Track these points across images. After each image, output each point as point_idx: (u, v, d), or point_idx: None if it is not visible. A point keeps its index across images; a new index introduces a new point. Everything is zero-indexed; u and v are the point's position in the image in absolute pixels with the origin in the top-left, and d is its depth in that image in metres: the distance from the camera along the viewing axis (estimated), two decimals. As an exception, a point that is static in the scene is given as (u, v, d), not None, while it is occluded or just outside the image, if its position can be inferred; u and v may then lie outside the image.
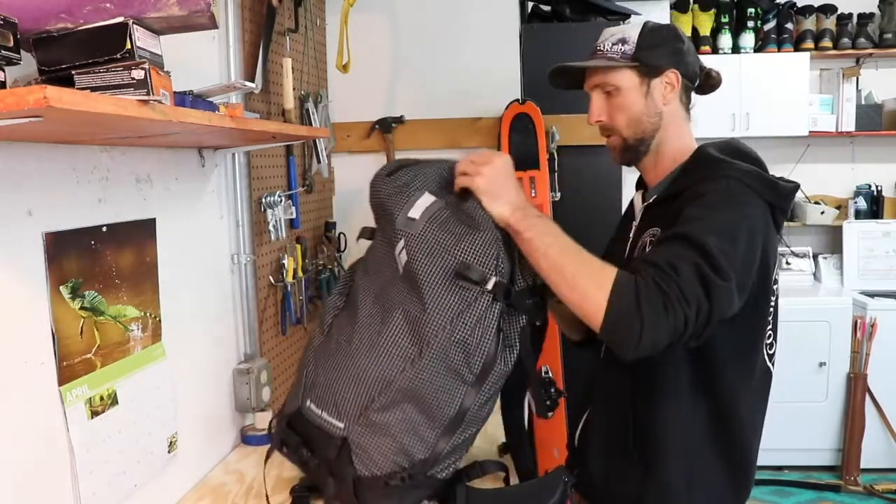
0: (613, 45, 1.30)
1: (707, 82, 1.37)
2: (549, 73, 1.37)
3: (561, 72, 1.37)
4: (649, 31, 1.30)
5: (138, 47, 0.94)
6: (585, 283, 1.09)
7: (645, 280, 1.06)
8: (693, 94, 1.37)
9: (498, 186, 1.20)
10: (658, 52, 1.29)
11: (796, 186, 1.25)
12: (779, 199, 1.20)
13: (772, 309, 1.27)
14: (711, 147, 1.28)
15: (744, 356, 1.25)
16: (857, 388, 3.34)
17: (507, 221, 1.18)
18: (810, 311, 3.42)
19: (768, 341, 1.29)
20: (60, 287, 1.09)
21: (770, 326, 1.29)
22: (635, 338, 1.04)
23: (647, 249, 1.23)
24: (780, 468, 3.49)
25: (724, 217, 1.14)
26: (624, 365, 1.18)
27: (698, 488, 1.26)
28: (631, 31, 1.30)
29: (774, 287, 1.26)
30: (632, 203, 1.43)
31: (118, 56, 0.93)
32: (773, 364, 1.32)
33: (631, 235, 1.35)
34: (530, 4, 2.89)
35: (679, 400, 1.24)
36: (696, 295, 1.05)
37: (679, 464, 1.25)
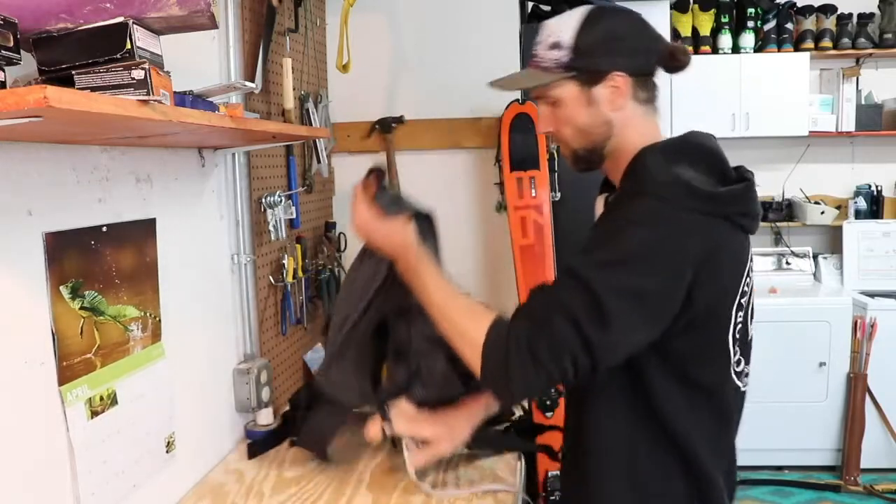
0: (548, 50, 1.15)
1: (672, 63, 1.17)
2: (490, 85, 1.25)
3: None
4: (585, 27, 1.13)
5: (138, 47, 0.94)
6: (458, 338, 1.12)
7: (516, 336, 1.03)
8: (660, 78, 1.20)
9: (374, 230, 1.26)
10: (597, 53, 1.13)
11: (746, 187, 1.10)
12: (727, 207, 1.07)
13: (739, 327, 1.12)
14: (656, 149, 1.13)
15: (692, 384, 1.12)
16: (857, 388, 3.34)
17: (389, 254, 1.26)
18: (810, 311, 3.42)
19: (735, 358, 1.14)
20: (60, 287, 1.09)
21: (738, 346, 1.14)
22: (507, 393, 1.06)
23: None
24: (780, 468, 3.49)
25: (627, 246, 1.03)
26: (576, 388, 1.21)
27: None
28: (565, 31, 1.14)
29: (738, 309, 1.11)
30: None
31: (118, 56, 0.93)
32: (743, 383, 1.19)
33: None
34: (530, 4, 2.89)
35: (618, 426, 1.15)
36: (570, 350, 1.01)
37: (623, 491, 1.16)
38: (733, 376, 1.15)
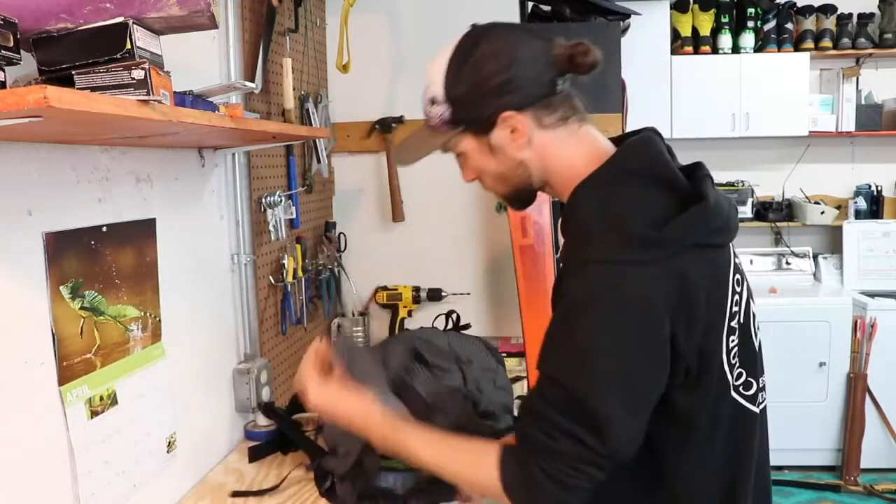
0: (430, 106, 1.05)
1: (575, 68, 1.00)
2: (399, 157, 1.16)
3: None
4: (451, 74, 1.01)
5: (138, 47, 0.94)
6: (472, 483, 1.06)
7: (531, 472, 0.95)
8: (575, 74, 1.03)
9: (335, 400, 1.16)
10: (475, 100, 1.00)
11: (703, 206, 0.94)
12: (687, 237, 0.93)
13: (735, 350, 1.01)
14: (587, 187, 0.99)
15: (690, 426, 1.00)
16: (857, 388, 3.34)
17: (359, 428, 1.14)
18: (810, 311, 3.42)
19: (737, 382, 1.02)
20: (60, 287, 1.09)
21: (740, 367, 1.02)
22: None
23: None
24: (780, 468, 3.49)
25: (588, 336, 0.92)
26: None
27: None
28: (436, 80, 1.02)
29: (729, 334, 0.99)
30: None
31: (118, 56, 0.93)
32: (758, 401, 1.06)
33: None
34: (530, 4, 2.89)
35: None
36: (586, 461, 0.93)
37: None
38: (740, 400, 1.02)
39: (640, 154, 1.01)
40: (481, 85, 0.99)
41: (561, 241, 1.07)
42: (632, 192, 0.96)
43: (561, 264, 1.03)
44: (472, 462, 1.03)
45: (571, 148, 1.04)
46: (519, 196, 1.11)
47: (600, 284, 0.92)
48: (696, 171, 1.02)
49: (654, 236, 0.92)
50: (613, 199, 0.96)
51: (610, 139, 1.08)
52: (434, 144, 1.07)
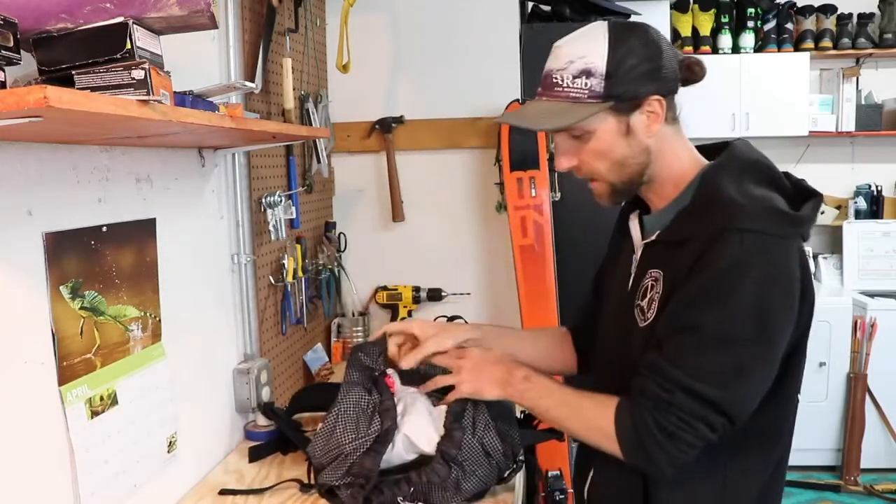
0: (575, 78, 1.06)
1: (690, 77, 1.14)
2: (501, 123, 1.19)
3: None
4: (615, 50, 1.05)
5: (138, 47, 0.94)
6: (591, 434, 1.13)
7: (643, 420, 1.05)
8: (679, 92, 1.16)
9: (481, 381, 1.26)
10: (633, 77, 1.06)
11: (817, 202, 1.08)
12: (806, 227, 1.06)
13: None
14: (721, 170, 1.09)
15: (777, 412, 1.13)
16: (857, 388, 3.34)
17: (503, 398, 1.26)
18: (810, 311, 3.42)
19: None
20: (60, 287, 1.09)
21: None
22: (658, 470, 1.07)
23: (647, 299, 1.12)
24: (780, 468, 3.49)
25: (740, 298, 1.00)
26: None
27: None
28: (593, 54, 1.05)
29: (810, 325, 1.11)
30: (624, 220, 1.27)
31: (118, 56, 0.93)
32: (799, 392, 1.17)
33: (633, 272, 1.19)
34: (530, 4, 2.89)
35: (692, 470, 1.09)
36: (699, 417, 1.02)
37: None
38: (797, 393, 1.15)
39: (751, 154, 1.13)
40: (643, 61, 1.06)
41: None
42: (757, 183, 1.07)
43: (682, 241, 1.07)
44: (593, 412, 1.12)
45: (681, 145, 1.15)
46: (627, 188, 1.15)
47: (753, 251, 1.00)
48: (790, 175, 1.14)
49: (797, 215, 1.04)
50: (748, 186, 1.06)
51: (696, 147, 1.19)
52: (572, 118, 1.07)
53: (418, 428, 1.33)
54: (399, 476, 1.31)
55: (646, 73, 1.06)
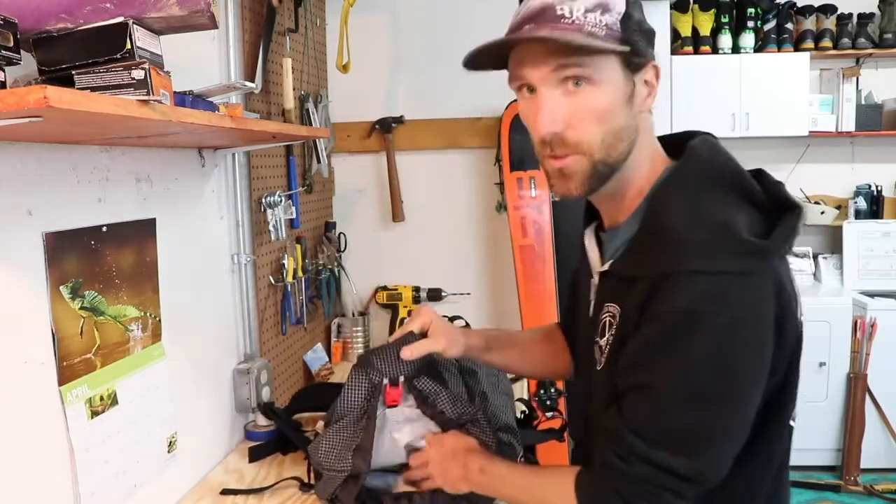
0: (588, 11, 0.86)
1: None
2: (474, 53, 0.92)
3: (492, 49, 0.91)
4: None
5: (138, 47, 0.94)
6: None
7: (606, 494, 0.93)
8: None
9: (448, 477, 1.21)
10: (642, 32, 0.90)
11: (798, 215, 0.90)
12: (783, 247, 0.89)
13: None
14: (677, 187, 0.92)
15: (763, 444, 0.96)
16: (857, 388, 3.34)
17: (472, 490, 1.19)
18: (810, 311, 3.37)
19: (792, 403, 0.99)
20: (60, 287, 1.09)
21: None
22: None
23: (605, 337, 0.97)
24: (780, 468, 3.49)
25: (694, 359, 0.85)
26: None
27: None
28: None
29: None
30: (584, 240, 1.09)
31: (118, 56, 0.93)
32: (794, 419, 1.01)
33: (592, 299, 1.05)
34: (530, 4, 2.89)
35: None
36: (667, 487, 0.89)
37: None
38: (790, 422, 0.99)
39: (714, 159, 0.94)
40: (643, 24, 0.91)
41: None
42: (719, 199, 0.89)
43: (632, 277, 0.92)
44: (553, 491, 1.02)
45: (653, 139, 0.98)
46: (606, 172, 0.93)
47: (707, 297, 0.83)
48: (766, 177, 0.97)
49: (761, 245, 0.85)
50: (705, 206, 0.88)
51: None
52: (586, 41, 0.85)
53: (410, 434, 1.35)
54: (405, 492, 1.32)
55: (648, 34, 0.92)
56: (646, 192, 0.96)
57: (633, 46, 0.88)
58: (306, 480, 1.46)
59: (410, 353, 1.25)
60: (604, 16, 0.86)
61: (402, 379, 1.33)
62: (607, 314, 0.98)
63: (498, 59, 0.94)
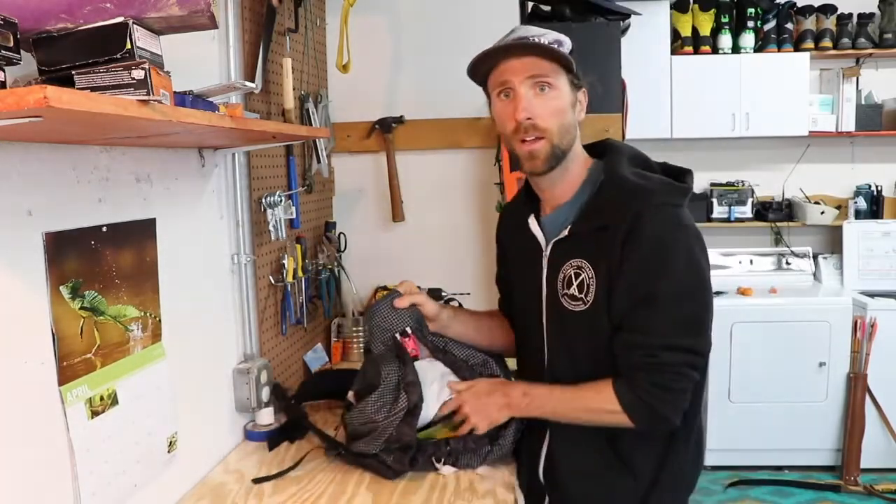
0: (551, 42, 1.27)
1: None
2: (477, 60, 1.31)
3: (491, 55, 1.30)
4: (570, 46, 1.33)
5: (138, 47, 0.94)
6: (600, 417, 1.31)
7: (642, 387, 1.26)
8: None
9: (489, 413, 1.42)
10: (577, 67, 1.31)
11: (690, 174, 1.34)
12: (689, 194, 1.32)
13: None
14: (618, 166, 1.32)
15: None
16: (857, 388, 3.34)
17: (514, 416, 1.44)
18: (810, 311, 3.42)
19: None
20: (60, 287, 1.09)
21: None
22: (669, 422, 1.29)
23: (574, 286, 1.32)
24: (780, 468, 3.49)
25: (680, 263, 1.25)
26: (580, 379, 1.35)
27: (667, 471, 1.36)
28: (559, 37, 1.30)
29: None
30: (516, 228, 1.49)
31: (118, 56, 0.93)
32: None
33: (545, 266, 1.38)
34: (530, 4, 2.89)
35: None
36: (688, 364, 1.27)
37: (653, 459, 1.35)
38: None
39: (629, 148, 1.39)
40: (576, 62, 1.31)
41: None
42: (644, 168, 1.33)
43: (601, 228, 1.28)
44: (594, 399, 1.30)
45: (580, 141, 1.38)
46: (562, 155, 1.31)
47: (672, 221, 1.25)
48: (649, 159, 1.39)
49: (687, 187, 1.31)
50: (640, 171, 1.31)
51: None
52: (558, 52, 1.27)
53: (437, 393, 1.52)
54: (440, 439, 1.48)
55: (582, 69, 1.32)
56: (583, 177, 1.35)
57: (575, 74, 1.30)
58: (335, 445, 1.58)
59: (400, 302, 1.52)
60: (561, 47, 1.28)
61: (409, 330, 1.53)
62: (570, 268, 1.32)
63: (485, 74, 1.33)
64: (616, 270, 1.25)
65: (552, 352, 1.41)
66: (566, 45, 1.29)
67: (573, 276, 1.32)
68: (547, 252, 1.38)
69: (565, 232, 1.34)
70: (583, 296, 1.30)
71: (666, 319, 1.24)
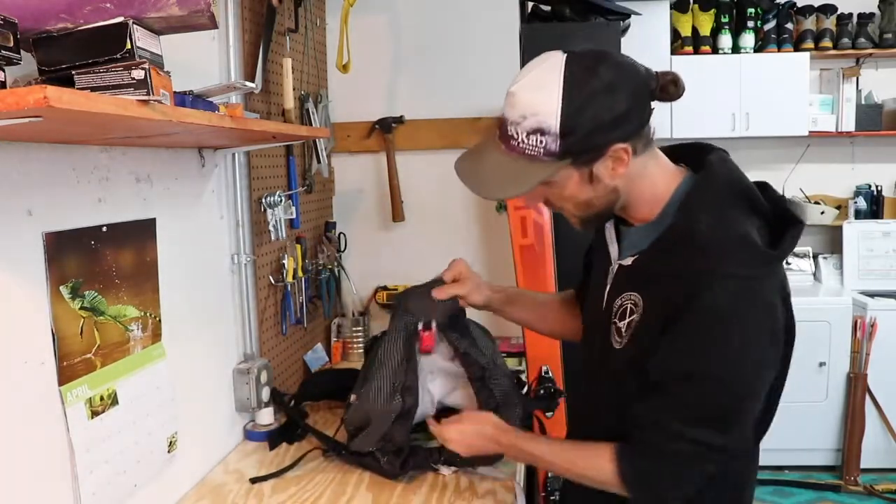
0: (529, 134, 1.00)
1: (664, 97, 1.07)
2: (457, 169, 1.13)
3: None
4: (573, 99, 0.98)
5: (138, 47, 0.94)
6: (590, 477, 1.14)
7: (649, 467, 1.07)
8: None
9: (475, 447, 1.31)
10: (592, 130, 0.99)
11: (800, 229, 1.05)
12: (787, 254, 1.04)
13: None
14: (699, 201, 1.05)
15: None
16: (857, 388, 3.34)
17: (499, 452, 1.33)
18: (810, 311, 3.41)
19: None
20: (60, 287, 1.09)
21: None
22: None
23: (625, 322, 1.10)
24: (780, 468, 3.49)
25: (723, 351, 1.00)
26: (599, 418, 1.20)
27: None
28: (546, 111, 0.98)
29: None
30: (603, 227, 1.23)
31: (118, 56, 0.93)
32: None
33: (608, 283, 1.17)
34: (530, 4, 2.89)
35: None
36: (701, 460, 1.06)
37: None
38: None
39: (730, 176, 1.08)
40: (599, 118, 0.99)
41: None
42: (736, 212, 1.04)
43: (657, 273, 1.07)
44: (589, 459, 1.13)
45: (654, 170, 1.09)
46: (598, 218, 1.14)
47: (739, 297, 1.00)
48: (770, 191, 1.11)
49: (775, 254, 1.03)
50: (725, 215, 1.04)
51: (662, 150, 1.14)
52: (536, 177, 1.04)
53: (441, 387, 1.53)
54: (436, 445, 1.44)
55: (607, 123, 0.99)
56: (666, 199, 1.09)
57: (577, 154, 1.01)
58: (334, 446, 1.59)
59: (440, 293, 1.42)
60: (543, 137, 1.00)
61: (433, 324, 1.46)
62: (628, 301, 1.10)
63: None
64: (657, 332, 1.04)
65: (595, 374, 1.22)
66: (548, 129, 0.99)
67: (628, 310, 1.10)
68: (614, 270, 1.16)
69: (629, 260, 1.12)
70: (625, 333, 1.10)
71: (697, 406, 1.03)
